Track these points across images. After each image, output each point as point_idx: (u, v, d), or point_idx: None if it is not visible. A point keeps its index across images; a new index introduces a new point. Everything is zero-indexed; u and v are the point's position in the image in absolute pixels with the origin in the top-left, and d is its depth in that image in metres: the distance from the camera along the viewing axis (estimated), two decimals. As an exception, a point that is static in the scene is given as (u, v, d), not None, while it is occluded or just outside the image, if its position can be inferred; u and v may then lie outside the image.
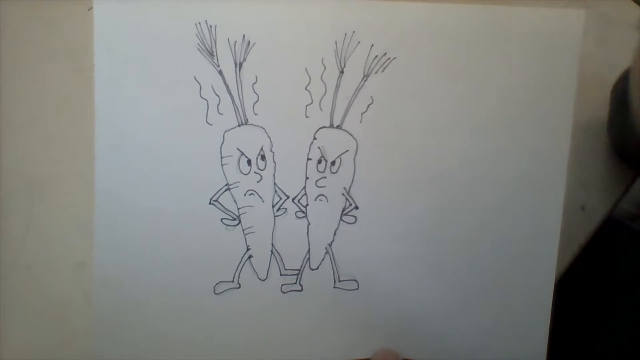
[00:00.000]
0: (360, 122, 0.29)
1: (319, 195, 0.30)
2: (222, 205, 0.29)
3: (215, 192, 0.29)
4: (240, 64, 0.28)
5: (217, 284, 0.29)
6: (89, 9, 0.47)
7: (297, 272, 0.30)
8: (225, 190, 0.29)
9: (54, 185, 0.40)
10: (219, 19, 0.28)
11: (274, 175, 0.30)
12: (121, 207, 0.28)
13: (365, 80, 0.29)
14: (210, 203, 0.29)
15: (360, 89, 0.29)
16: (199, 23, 0.28)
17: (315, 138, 0.29)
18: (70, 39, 0.46)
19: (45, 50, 0.45)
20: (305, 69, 0.29)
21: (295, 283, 0.30)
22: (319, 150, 0.30)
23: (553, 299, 0.43)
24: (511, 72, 0.29)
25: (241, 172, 0.29)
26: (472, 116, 0.29)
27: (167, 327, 0.29)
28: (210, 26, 0.28)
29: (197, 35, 0.28)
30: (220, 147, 0.29)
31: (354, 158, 0.30)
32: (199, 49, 0.28)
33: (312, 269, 0.30)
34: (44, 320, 0.36)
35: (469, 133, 0.29)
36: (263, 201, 0.30)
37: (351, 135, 0.29)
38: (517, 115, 0.29)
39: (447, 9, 0.28)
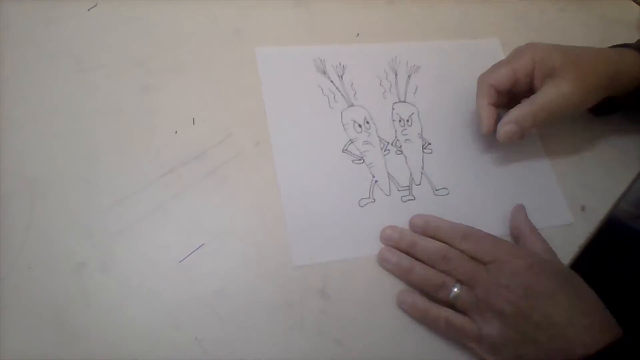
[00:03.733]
0: (415, 98, 0.51)
1: (406, 140, 0.48)
2: (351, 152, 0.46)
3: (344, 144, 0.46)
4: (341, 76, 0.50)
5: (360, 199, 0.44)
6: (89, 9, 0.48)
7: (408, 187, 0.46)
8: (350, 143, 0.47)
9: (54, 185, 0.40)
10: (325, 55, 0.51)
11: (376, 131, 0.48)
12: (294, 164, 0.45)
13: (410, 78, 0.52)
14: (343, 152, 0.46)
15: (408, 82, 0.52)
16: (316, 58, 0.50)
17: (393, 108, 0.50)
18: (70, 39, 0.46)
19: (45, 50, 0.45)
20: (377, 75, 0.51)
21: (409, 194, 0.45)
22: (397, 114, 0.49)
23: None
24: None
25: (356, 132, 0.47)
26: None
27: (337, 226, 0.43)
28: (321, 59, 0.50)
29: (315, 64, 0.50)
30: (341, 119, 0.48)
31: (418, 116, 0.50)
32: (317, 71, 0.50)
33: (417, 185, 0.46)
34: (44, 320, 0.36)
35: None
36: (374, 146, 0.47)
37: (412, 104, 0.50)
38: None
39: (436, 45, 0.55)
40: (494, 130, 0.44)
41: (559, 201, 0.47)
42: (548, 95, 0.42)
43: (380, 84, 0.50)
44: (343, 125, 0.47)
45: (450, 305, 0.39)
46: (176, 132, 0.43)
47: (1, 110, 0.42)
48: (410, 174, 0.46)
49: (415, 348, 0.39)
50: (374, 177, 0.45)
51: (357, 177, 0.45)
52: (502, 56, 0.51)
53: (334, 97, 0.48)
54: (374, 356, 0.38)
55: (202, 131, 0.44)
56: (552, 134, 0.50)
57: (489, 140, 0.48)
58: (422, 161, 0.47)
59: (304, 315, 0.39)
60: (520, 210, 0.45)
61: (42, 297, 0.36)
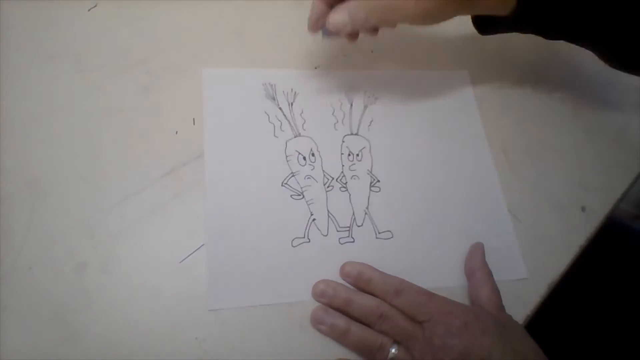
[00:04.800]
0: (368, 130, 0.47)
1: (353, 176, 0.45)
2: (291, 186, 0.43)
3: (285, 177, 0.43)
4: (291, 103, 0.47)
5: (294, 239, 0.41)
6: (89, 9, 0.48)
7: (348, 228, 0.43)
8: (291, 176, 0.43)
9: (54, 185, 0.40)
10: (277, 80, 0.48)
11: (321, 165, 0.45)
12: (226, 194, 0.42)
13: (366, 109, 0.49)
14: (282, 185, 0.43)
15: (364, 113, 0.48)
16: (266, 83, 0.47)
17: (343, 141, 0.46)
18: (70, 39, 0.46)
19: (45, 50, 0.45)
20: (331, 104, 0.48)
21: (348, 236, 0.42)
22: (347, 148, 0.46)
23: (553, 299, 0.43)
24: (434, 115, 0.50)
25: (300, 165, 0.44)
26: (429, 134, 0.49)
27: (265, 267, 0.40)
28: (272, 84, 0.47)
29: (264, 89, 0.47)
30: (285, 150, 0.45)
31: (370, 151, 0.46)
32: (266, 97, 0.47)
33: (359, 226, 0.43)
34: (44, 320, 0.36)
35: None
36: (317, 181, 0.44)
37: (365, 138, 0.47)
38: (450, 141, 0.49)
39: (400, 75, 0.51)
40: (320, 28, 0.41)
41: (515, 255, 0.44)
42: None
43: (333, 114, 0.47)
44: (286, 156, 0.44)
45: None
46: (176, 132, 0.43)
47: (1, 110, 0.42)
48: (353, 213, 0.43)
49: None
50: (312, 214, 0.42)
51: (294, 213, 0.42)
52: (470, 89, 0.51)
53: (281, 125, 0.45)
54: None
55: (203, 131, 0.44)
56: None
57: (443, 179, 0.46)
58: (368, 200, 0.44)
59: (304, 315, 0.39)
60: (478, 250, 0.42)
61: (42, 297, 0.36)
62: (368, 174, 0.45)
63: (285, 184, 0.43)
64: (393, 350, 0.36)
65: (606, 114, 0.53)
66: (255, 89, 0.46)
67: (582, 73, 0.54)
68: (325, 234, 0.42)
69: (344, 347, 0.38)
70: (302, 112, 0.46)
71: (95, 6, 0.48)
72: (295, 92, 0.47)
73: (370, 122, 0.47)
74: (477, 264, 0.41)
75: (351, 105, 0.48)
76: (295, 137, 0.45)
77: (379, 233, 0.43)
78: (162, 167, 0.42)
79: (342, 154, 0.45)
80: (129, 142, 0.42)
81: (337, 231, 0.42)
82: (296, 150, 0.44)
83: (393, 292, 0.38)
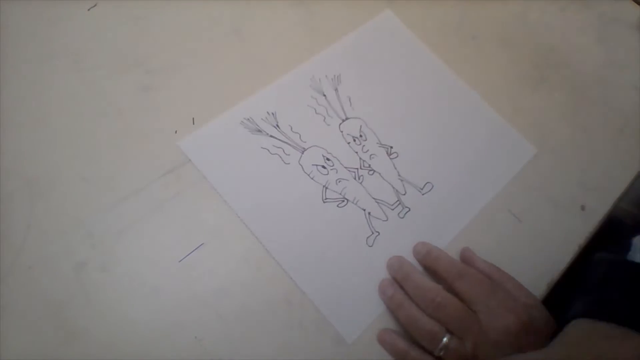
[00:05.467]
0: (353, 109, 0.48)
1: (370, 155, 0.46)
2: (331, 198, 0.43)
3: (320, 194, 0.43)
4: (277, 125, 0.45)
5: (367, 238, 0.42)
6: (89, 9, 0.48)
7: (398, 202, 0.44)
8: (325, 189, 0.44)
9: (54, 185, 0.40)
10: (249, 112, 0.46)
11: (340, 163, 0.45)
12: (284, 239, 0.41)
13: (337, 91, 0.49)
14: (324, 202, 0.43)
15: (339, 96, 0.48)
16: (242, 120, 0.45)
17: (341, 130, 0.47)
18: (70, 39, 0.46)
19: (45, 50, 0.45)
20: (308, 105, 0.47)
21: (403, 208, 0.44)
22: (348, 135, 0.47)
23: (553, 299, 0.43)
24: None
25: (323, 175, 0.44)
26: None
27: (361, 279, 0.41)
28: (248, 118, 0.45)
29: (245, 126, 0.45)
30: (303, 170, 0.44)
31: (367, 125, 0.47)
32: (251, 132, 0.45)
33: (403, 195, 0.45)
34: (44, 320, 0.36)
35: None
36: (348, 180, 0.44)
37: (355, 117, 0.48)
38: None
39: (338, 45, 0.51)
40: None
41: (515, 139, 0.49)
42: None
43: (317, 113, 0.47)
44: (308, 174, 0.44)
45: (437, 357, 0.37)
46: (176, 132, 0.43)
47: (1, 110, 0.42)
48: (392, 187, 0.45)
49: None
50: (365, 209, 0.43)
51: (350, 219, 0.43)
52: (400, 26, 0.53)
53: (283, 151, 0.44)
54: (373, 356, 0.38)
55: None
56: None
57: (438, 113, 0.49)
58: (395, 168, 0.46)
59: (304, 314, 0.39)
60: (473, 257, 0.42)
61: (42, 297, 0.36)
62: (380, 146, 0.46)
63: (326, 199, 0.43)
64: (445, 340, 0.36)
65: (606, 113, 0.53)
66: (237, 131, 0.44)
67: (582, 72, 0.54)
68: (385, 218, 0.43)
69: (397, 321, 0.39)
70: (291, 127, 0.45)
71: (95, 6, 0.48)
72: (273, 113, 0.46)
73: (349, 100, 0.48)
74: (495, 275, 0.40)
75: (324, 96, 0.48)
76: (302, 153, 0.45)
77: (422, 189, 0.45)
78: (162, 167, 0.42)
79: (348, 143, 0.46)
80: (129, 142, 0.42)
81: (393, 209, 0.44)
82: (312, 164, 0.44)
83: (456, 273, 0.38)
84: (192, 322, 0.37)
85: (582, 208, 0.47)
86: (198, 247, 0.39)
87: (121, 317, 0.36)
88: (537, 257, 0.44)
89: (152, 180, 0.41)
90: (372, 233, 0.42)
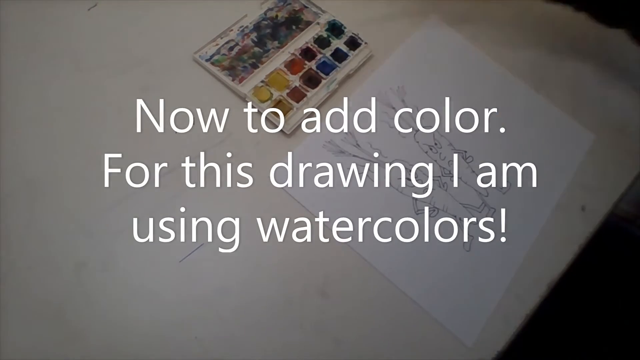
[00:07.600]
0: (423, 118, 0.49)
1: (448, 161, 0.47)
2: (422, 210, 0.44)
3: (413, 208, 0.44)
4: (357, 144, 0.46)
5: (462, 244, 0.43)
6: (89, 9, 0.48)
7: (484, 204, 0.45)
8: (415, 202, 0.44)
9: (54, 185, 0.40)
10: (331, 135, 0.47)
11: (424, 172, 0.46)
12: (399, 260, 0.42)
13: (404, 102, 0.49)
14: (416, 214, 0.44)
15: (408, 108, 0.49)
16: (325, 144, 0.46)
17: (417, 141, 0.47)
18: (70, 39, 0.46)
19: (45, 50, 0.45)
20: (381, 121, 0.48)
21: (488, 209, 0.45)
22: (425, 145, 0.47)
23: (552, 299, 0.43)
24: None
25: (411, 188, 0.45)
26: None
27: (474, 283, 0.42)
28: (329, 141, 0.46)
29: (328, 149, 0.46)
30: (391, 184, 0.45)
31: (439, 132, 0.48)
32: (333, 154, 0.46)
33: (486, 196, 0.46)
34: (44, 320, 0.36)
35: None
36: (435, 189, 0.45)
37: (426, 126, 0.49)
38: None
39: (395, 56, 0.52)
40: None
41: (571, 126, 0.51)
42: None
43: (390, 126, 0.48)
44: (397, 190, 0.45)
45: None
46: (176, 132, 0.43)
47: (1, 110, 0.42)
48: (475, 190, 0.46)
49: (412, 348, 0.39)
50: (456, 216, 0.44)
51: (444, 228, 0.44)
52: (447, 29, 0.53)
53: (367, 168, 0.45)
54: (373, 356, 0.38)
55: (203, 131, 0.44)
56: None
57: (503, 112, 0.50)
58: (474, 172, 0.47)
59: (304, 314, 0.39)
60: None
61: (42, 297, 0.36)
62: (455, 152, 0.47)
63: (418, 210, 0.44)
64: None
65: (606, 113, 0.53)
66: (322, 156, 0.45)
67: (582, 73, 0.54)
68: (475, 221, 0.44)
69: None
70: (370, 145, 0.46)
71: (95, 6, 0.48)
72: (351, 133, 0.46)
73: (417, 111, 0.49)
74: None
75: (393, 108, 0.48)
76: (387, 168, 0.45)
77: (502, 188, 0.46)
78: (162, 167, 0.42)
79: (425, 152, 0.47)
80: (129, 142, 0.42)
81: (480, 212, 0.45)
82: (397, 179, 0.45)
83: None
84: (192, 322, 0.37)
85: (582, 208, 0.47)
86: (198, 247, 0.39)
87: (121, 317, 0.36)
88: (538, 256, 0.44)
89: (153, 180, 0.41)
90: (468, 237, 0.44)
